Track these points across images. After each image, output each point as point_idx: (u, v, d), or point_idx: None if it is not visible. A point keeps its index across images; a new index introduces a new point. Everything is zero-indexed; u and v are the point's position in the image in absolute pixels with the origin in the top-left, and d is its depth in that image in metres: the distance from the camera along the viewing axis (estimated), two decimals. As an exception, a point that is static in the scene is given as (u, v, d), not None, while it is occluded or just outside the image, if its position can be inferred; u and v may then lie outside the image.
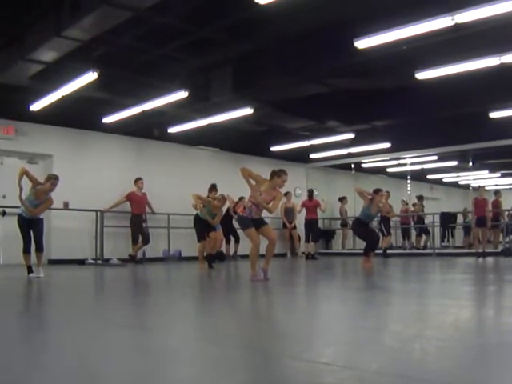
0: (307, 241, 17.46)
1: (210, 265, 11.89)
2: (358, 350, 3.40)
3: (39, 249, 9.58)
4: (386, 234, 16.99)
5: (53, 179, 9.50)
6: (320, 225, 19.13)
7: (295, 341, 3.71)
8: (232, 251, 16.73)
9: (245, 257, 16.21)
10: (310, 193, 17.90)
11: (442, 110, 13.35)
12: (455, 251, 19.53)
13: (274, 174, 8.63)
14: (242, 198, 14.75)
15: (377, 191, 11.37)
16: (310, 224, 17.55)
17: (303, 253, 18.50)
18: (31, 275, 9.36)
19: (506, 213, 19.70)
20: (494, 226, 18.70)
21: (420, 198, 20.84)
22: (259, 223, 8.55)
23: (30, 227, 9.50)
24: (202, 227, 12.13)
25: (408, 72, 10.49)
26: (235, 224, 13.77)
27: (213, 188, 12.96)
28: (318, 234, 17.95)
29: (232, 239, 16.61)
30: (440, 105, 12.91)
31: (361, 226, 11.50)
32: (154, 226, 15.29)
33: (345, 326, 4.39)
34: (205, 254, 12.32)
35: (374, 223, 19.15)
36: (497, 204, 18.60)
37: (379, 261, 14.29)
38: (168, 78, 11.63)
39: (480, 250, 15.54)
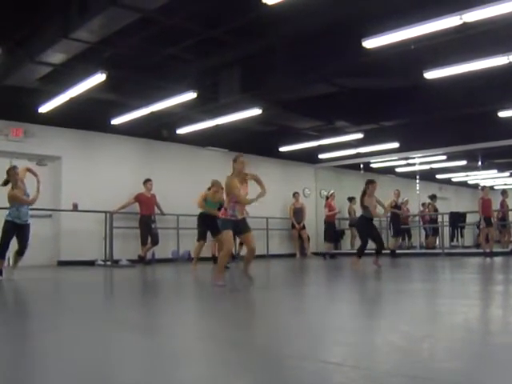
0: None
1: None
2: (368, 350, 3.39)
3: (21, 253, 9.58)
4: (393, 234, 16.99)
5: (12, 170, 9.50)
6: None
7: (305, 341, 3.71)
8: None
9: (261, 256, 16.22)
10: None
11: (451, 110, 13.33)
12: (464, 251, 19.45)
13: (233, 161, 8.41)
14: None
15: (368, 182, 11.28)
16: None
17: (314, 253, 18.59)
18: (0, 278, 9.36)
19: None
20: (502, 226, 18.67)
21: (433, 197, 20.69)
22: (242, 229, 7.98)
23: (17, 233, 9.45)
24: (205, 227, 12.07)
25: (416, 71, 10.47)
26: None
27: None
28: (330, 234, 17.92)
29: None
30: (448, 104, 12.90)
31: (366, 225, 11.41)
32: (163, 226, 15.30)
33: (354, 326, 4.39)
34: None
35: (383, 223, 19.16)
36: (504, 204, 18.55)
37: (388, 261, 14.27)
38: (176, 79, 11.66)
39: (488, 250, 15.49)
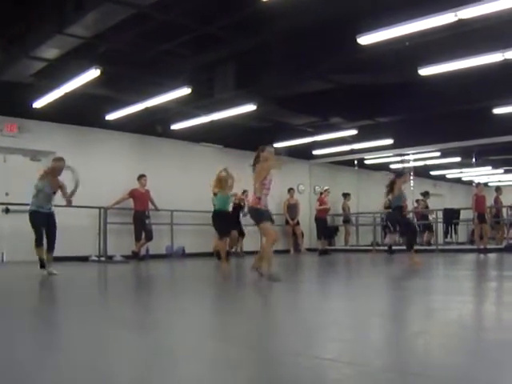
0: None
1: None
2: (363, 346, 3.40)
3: (51, 248, 9.34)
4: (392, 230, 16.98)
5: (62, 161, 9.56)
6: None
7: (300, 337, 3.71)
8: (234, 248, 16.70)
9: (250, 253, 16.22)
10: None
11: (445, 106, 13.33)
12: (458, 247, 19.49)
13: (261, 151, 8.41)
14: (244, 192, 14.85)
15: (398, 175, 11.25)
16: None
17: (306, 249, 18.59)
18: (44, 272, 9.15)
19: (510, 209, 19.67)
20: (495, 223, 18.71)
21: (425, 194, 20.70)
22: (269, 217, 8.32)
23: (45, 223, 9.27)
24: (225, 222, 11.68)
25: (411, 68, 10.47)
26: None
27: None
28: (321, 231, 17.85)
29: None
30: (443, 101, 12.89)
31: (400, 214, 11.24)
32: (157, 222, 15.28)
33: (348, 322, 4.40)
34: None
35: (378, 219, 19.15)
36: (498, 200, 18.60)
37: (384, 257, 14.30)
38: (171, 74, 11.63)
39: (482, 247, 15.53)
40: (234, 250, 12.48)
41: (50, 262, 9.38)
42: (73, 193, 9.55)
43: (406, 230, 11.30)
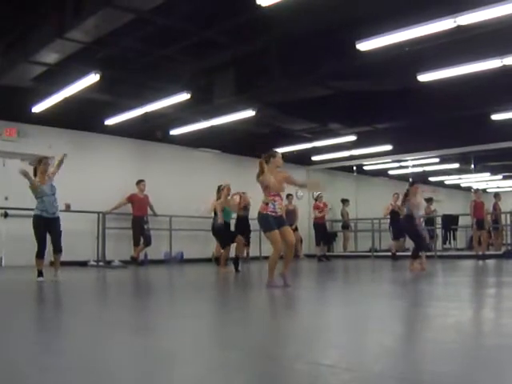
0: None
1: (236, 268, 11.46)
2: (361, 352, 3.40)
3: (57, 250, 9.26)
4: (392, 237, 16.94)
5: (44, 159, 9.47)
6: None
7: (299, 342, 3.71)
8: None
9: (254, 259, 16.24)
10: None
11: (444, 112, 13.33)
12: (457, 253, 19.48)
13: (267, 157, 8.19)
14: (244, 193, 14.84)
15: (411, 184, 11.29)
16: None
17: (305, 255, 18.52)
18: (40, 279, 8.94)
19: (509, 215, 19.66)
20: (494, 229, 18.71)
21: (429, 199, 20.54)
22: (280, 223, 7.78)
23: (48, 229, 9.11)
24: (226, 234, 11.67)
25: (410, 74, 10.49)
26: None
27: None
28: (319, 236, 17.74)
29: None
30: (442, 107, 12.91)
31: (410, 223, 11.20)
32: (156, 227, 15.27)
33: (347, 328, 4.39)
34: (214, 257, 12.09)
35: (384, 226, 19.04)
36: (496, 206, 18.59)
37: (384, 263, 14.28)
38: (170, 79, 11.64)
39: (480, 253, 15.53)
40: (242, 255, 12.46)
41: (57, 267, 9.23)
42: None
43: (416, 239, 11.26)
